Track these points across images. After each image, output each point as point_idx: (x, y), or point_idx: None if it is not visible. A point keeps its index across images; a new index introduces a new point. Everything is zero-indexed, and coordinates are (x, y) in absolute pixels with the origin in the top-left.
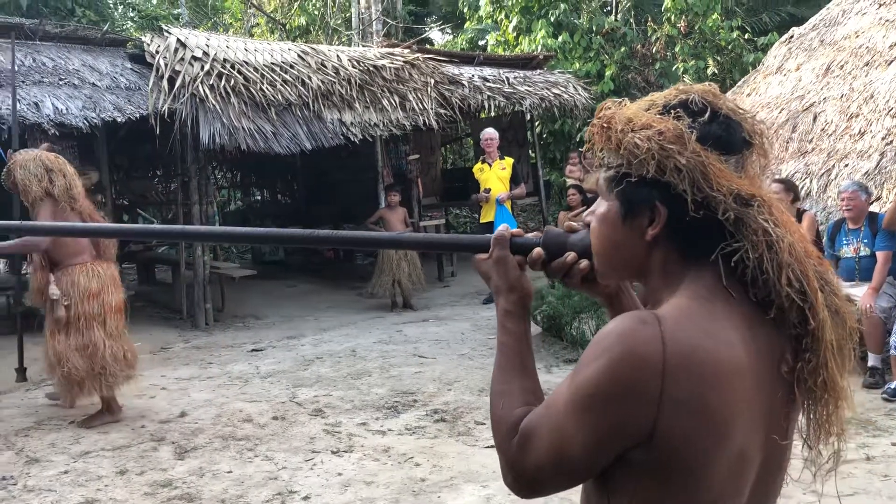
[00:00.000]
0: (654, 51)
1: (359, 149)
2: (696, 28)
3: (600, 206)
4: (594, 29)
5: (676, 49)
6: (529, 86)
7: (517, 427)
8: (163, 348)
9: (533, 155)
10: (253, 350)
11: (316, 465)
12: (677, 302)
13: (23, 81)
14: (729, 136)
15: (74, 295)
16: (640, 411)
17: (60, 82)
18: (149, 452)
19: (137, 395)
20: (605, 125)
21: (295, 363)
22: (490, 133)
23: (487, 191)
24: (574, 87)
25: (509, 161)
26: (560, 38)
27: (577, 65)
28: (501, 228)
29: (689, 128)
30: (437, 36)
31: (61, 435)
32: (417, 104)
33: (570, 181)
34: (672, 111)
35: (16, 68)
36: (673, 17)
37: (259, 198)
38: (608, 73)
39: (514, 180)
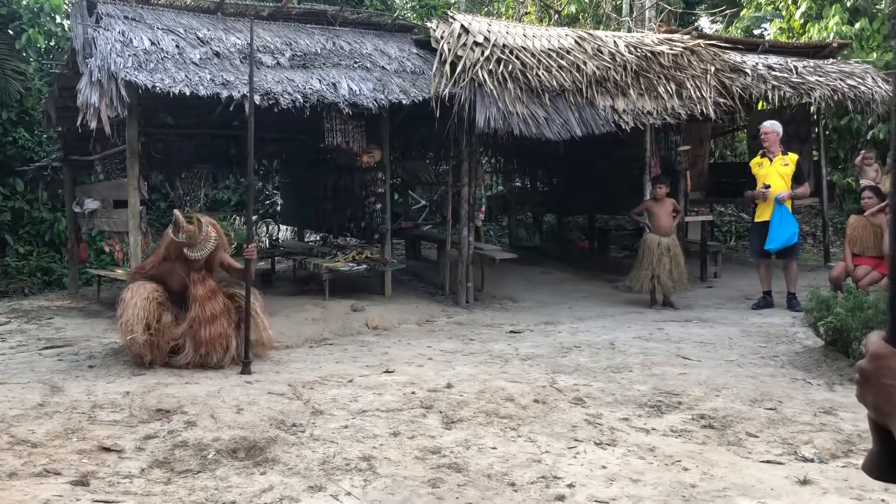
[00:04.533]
0: None
1: (625, 138)
2: None
3: None
4: None
5: None
6: (820, 76)
7: None
8: (427, 321)
9: (816, 152)
10: (512, 331)
11: (579, 453)
12: None
13: (323, 64)
14: None
15: None
16: None
17: (355, 65)
18: (419, 418)
19: (407, 363)
20: None
21: (553, 349)
22: (771, 125)
23: (767, 187)
24: (873, 78)
25: (793, 157)
26: (857, 25)
27: (875, 55)
28: None
29: None
30: (708, 25)
31: (342, 391)
32: (695, 92)
33: (863, 182)
34: None
35: (254, 48)
36: None
37: (519, 184)
38: None
39: (797, 179)
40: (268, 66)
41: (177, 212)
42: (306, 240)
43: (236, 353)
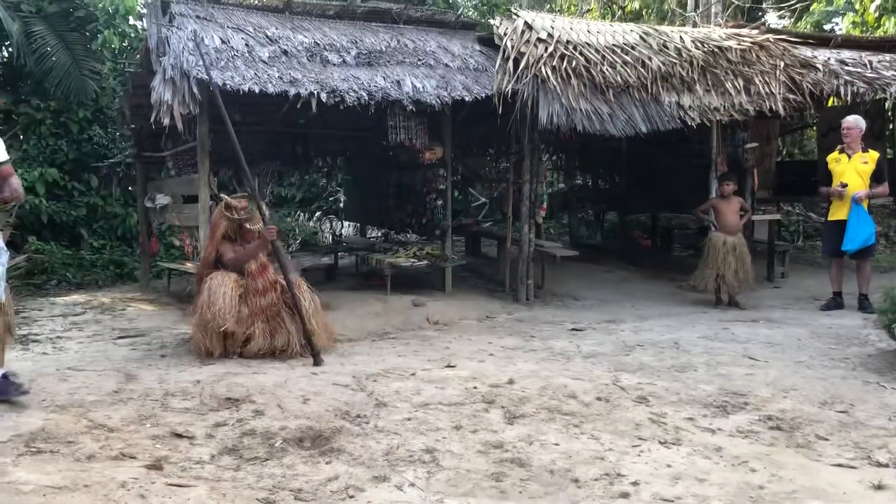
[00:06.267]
0: None
1: (691, 135)
2: None
3: None
4: None
5: None
6: None
7: None
8: (487, 317)
9: (890, 150)
10: (573, 329)
11: (643, 452)
12: None
13: (388, 61)
14: None
15: None
16: None
17: (419, 62)
18: (481, 413)
19: (468, 358)
20: None
21: (616, 347)
22: (854, 121)
23: (844, 185)
24: None
25: (874, 155)
26: None
27: None
28: None
29: None
30: (775, 20)
31: (404, 384)
32: (763, 88)
33: None
34: None
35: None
36: None
37: (580, 181)
38: None
39: (877, 178)
40: (334, 65)
41: (223, 195)
42: (368, 236)
43: (299, 345)
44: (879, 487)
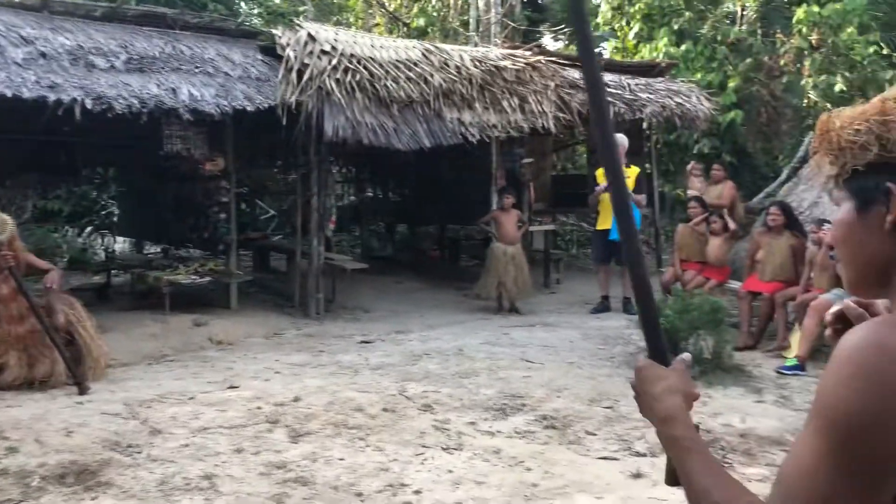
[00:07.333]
0: (781, 63)
1: (473, 150)
2: (828, 42)
3: (837, 213)
4: (718, 39)
5: (806, 63)
6: (651, 93)
7: None
8: (276, 333)
9: (648, 165)
10: (362, 342)
11: (426, 460)
12: None
13: (162, 68)
14: None
15: None
16: None
17: (196, 70)
18: (264, 433)
19: (253, 377)
20: (824, 130)
21: (403, 357)
22: (619, 139)
23: (606, 188)
24: (697, 97)
25: (635, 170)
26: (683, 47)
27: (700, 75)
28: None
29: None
30: (551, 42)
31: (182, 409)
32: (537, 107)
33: (690, 193)
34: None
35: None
36: (804, 29)
37: (371, 194)
38: (731, 84)
39: (636, 190)
40: (101, 69)
41: None
42: (146, 252)
43: (66, 374)
44: (637, 476)
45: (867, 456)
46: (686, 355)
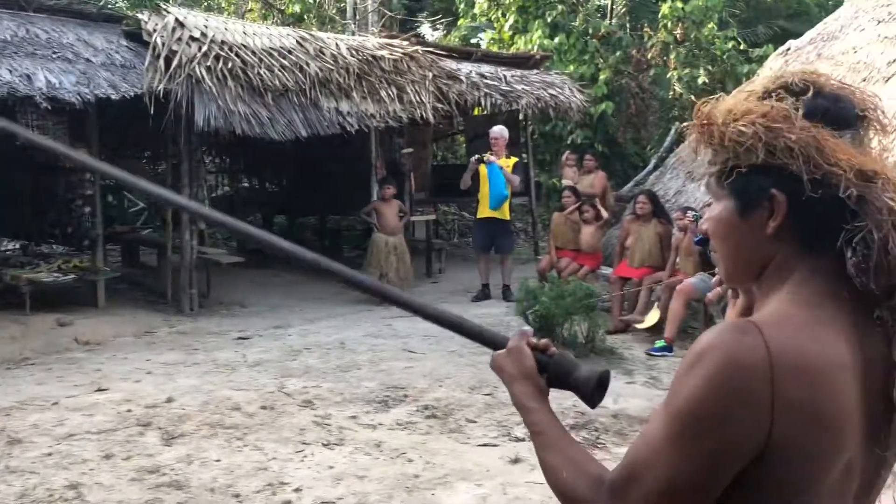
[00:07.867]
0: (648, 57)
1: (352, 140)
2: (691, 36)
3: (713, 208)
4: (590, 32)
5: (672, 57)
6: (526, 85)
7: (600, 483)
8: (147, 332)
9: (525, 156)
10: (239, 338)
11: (307, 456)
12: (777, 307)
13: (15, 53)
14: (838, 110)
15: None
16: (752, 422)
17: (54, 55)
18: (135, 437)
19: (123, 378)
20: (706, 122)
21: (282, 353)
22: (500, 131)
23: (478, 160)
24: (570, 88)
25: (513, 160)
26: (556, 40)
27: (572, 67)
28: (526, 331)
29: (793, 106)
30: (429, 32)
31: (44, 416)
32: (415, 97)
33: (564, 182)
34: (773, 95)
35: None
36: (669, 24)
37: (247, 185)
38: (602, 76)
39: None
40: None
41: None
42: (1, 249)
43: None
44: (516, 461)
45: (705, 447)
46: (526, 328)
